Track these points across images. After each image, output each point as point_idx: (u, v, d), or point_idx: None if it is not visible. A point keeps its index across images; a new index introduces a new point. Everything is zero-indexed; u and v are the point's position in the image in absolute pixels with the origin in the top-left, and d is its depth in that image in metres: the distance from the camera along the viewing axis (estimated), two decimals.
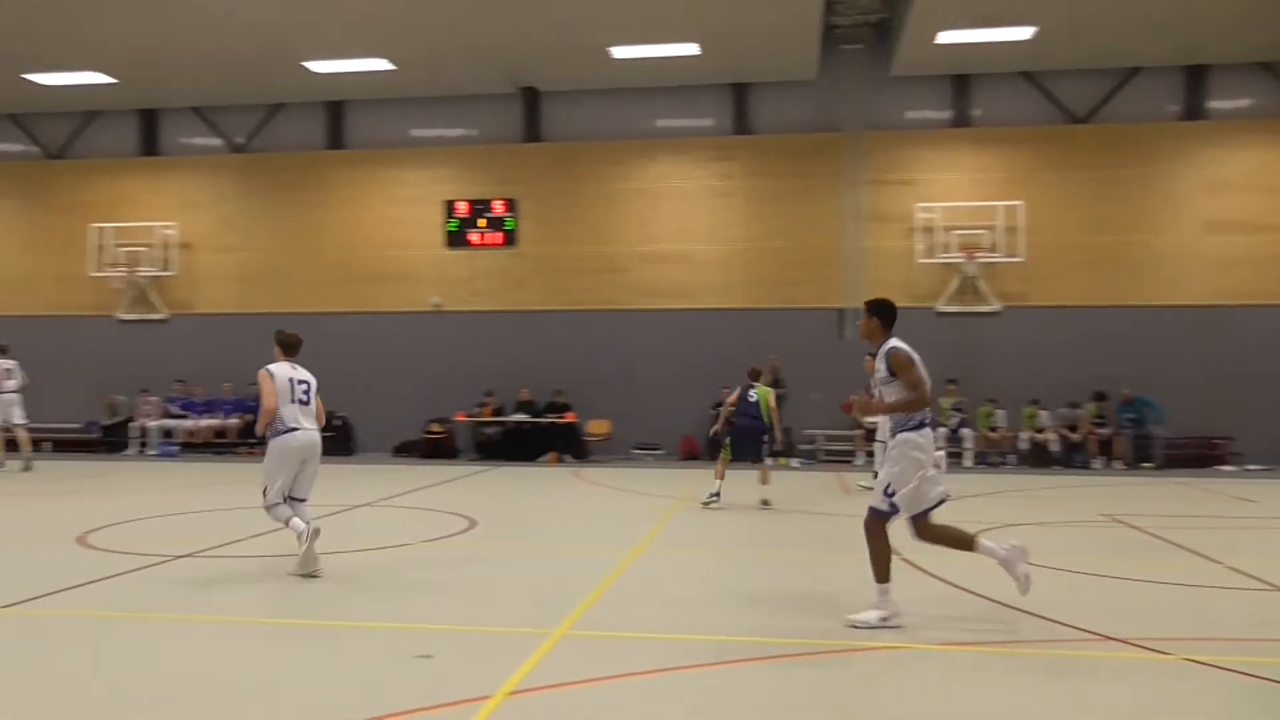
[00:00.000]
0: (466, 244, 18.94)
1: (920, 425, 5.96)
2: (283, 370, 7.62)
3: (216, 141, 20.15)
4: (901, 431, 5.96)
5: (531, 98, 19.06)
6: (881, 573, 5.90)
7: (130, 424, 19.02)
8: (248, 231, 19.69)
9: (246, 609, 6.41)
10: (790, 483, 13.59)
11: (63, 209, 20.13)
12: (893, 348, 6.09)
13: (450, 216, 18.96)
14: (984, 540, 5.97)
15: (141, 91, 19.10)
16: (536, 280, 18.82)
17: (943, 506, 6.01)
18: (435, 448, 18.24)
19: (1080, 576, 7.43)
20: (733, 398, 11.74)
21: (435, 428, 18.42)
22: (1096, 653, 5.42)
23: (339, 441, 18.63)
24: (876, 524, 5.95)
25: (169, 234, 19.60)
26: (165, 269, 19.54)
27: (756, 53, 16.97)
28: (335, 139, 19.68)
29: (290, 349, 7.85)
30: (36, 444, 19.13)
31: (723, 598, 6.76)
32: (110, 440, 19.03)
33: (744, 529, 10.13)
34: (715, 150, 18.64)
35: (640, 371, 18.22)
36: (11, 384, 15.52)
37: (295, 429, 7.45)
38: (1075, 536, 9.76)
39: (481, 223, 18.90)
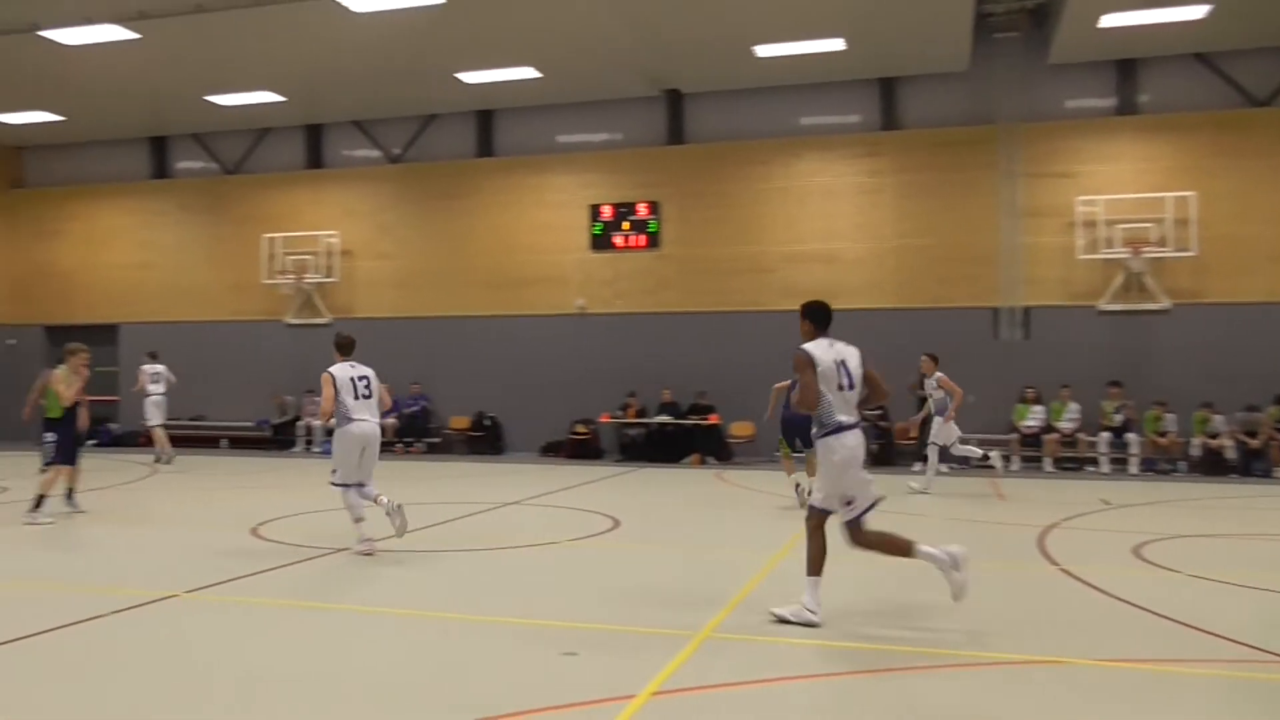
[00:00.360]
0: (611, 247, 19.16)
1: (837, 430, 5.98)
2: (343, 370, 8.50)
3: (375, 153, 21.07)
4: (818, 439, 6.02)
5: (675, 100, 19.13)
6: (813, 567, 6.00)
7: (297, 423, 20.11)
8: (403, 238, 20.51)
9: (398, 600, 6.65)
10: (940, 488, 13.13)
11: (237, 221, 21.47)
12: (798, 348, 6.12)
13: (595, 220, 19.23)
14: (922, 545, 5.90)
15: (308, 108, 20.18)
16: (680, 282, 18.86)
17: (876, 510, 6.03)
18: (580, 448, 18.53)
19: (1267, 594, 6.88)
20: (782, 385, 11.56)
21: (580, 428, 18.71)
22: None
23: (488, 441, 19.22)
24: (815, 520, 6.06)
25: (332, 242, 20.62)
26: (328, 275, 20.56)
27: (905, 45, 16.51)
28: (485, 147, 20.27)
29: (347, 350, 8.74)
30: (215, 441, 20.56)
31: (867, 605, 6.58)
32: (279, 438, 20.17)
33: None
34: (863, 146, 18.24)
35: (786, 373, 17.96)
36: (157, 387, 17.08)
37: (357, 420, 8.36)
38: (1258, 550, 9.06)
39: (625, 225, 19.09)
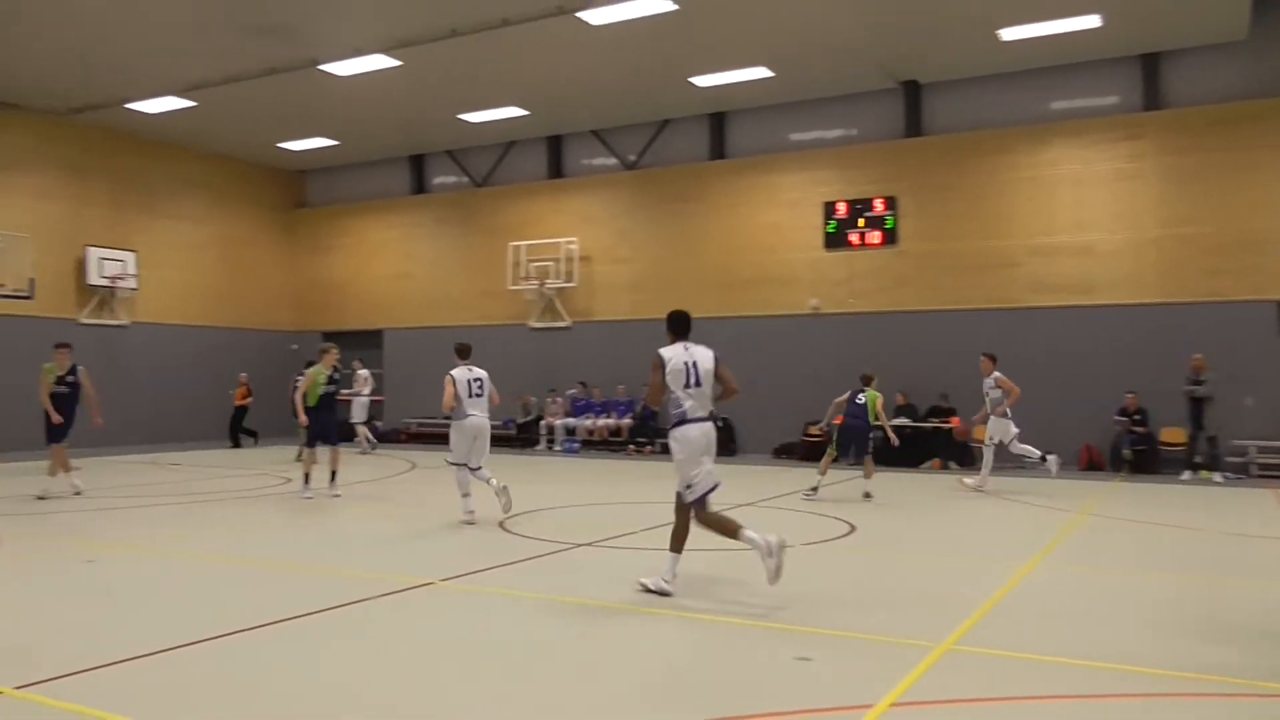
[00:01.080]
0: (845, 245, 18.76)
1: (681, 422, 6.84)
2: (462, 373, 10.16)
3: (612, 161, 21.72)
4: (669, 429, 6.94)
5: (912, 91, 18.47)
6: (675, 544, 6.79)
7: (540, 422, 21.05)
8: (638, 242, 21.01)
9: (633, 596, 6.77)
10: (1215, 500, 11.90)
11: (486, 231, 22.77)
12: (658, 351, 7.02)
13: (829, 218, 18.89)
14: (747, 531, 6.51)
15: (549, 120, 21.10)
16: (918, 279, 18.18)
17: (716, 493, 6.80)
18: (814, 450, 18.23)
19: None
20: (842, 398, 12.87)
21: (814, 430, 18.43)
22: None
23: (720, 443, 19.25)
24: (696, 505, 6.76)
25: (571, 248, 21.43)
26: (568, 280, 21.38)
27: (1172, 16, 15.11)
28: (717, 149, 20.41)
29: (465, 355, 10.43)
30: None
31: (1123, 622, 6.04)
32: (523, 437, 21.19)
33: (1150, 548, 9.03)
34: (1121, 129, 16.86)
35: (1033, 374, 16.86)
36: (367, 390, 19.38)
37: (470, 415, 10.06)
38: None
39: (861, 222, 18.62)
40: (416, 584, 7.11)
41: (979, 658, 5.28)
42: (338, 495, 12.28)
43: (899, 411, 17.64)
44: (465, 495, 10.18)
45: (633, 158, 21.39)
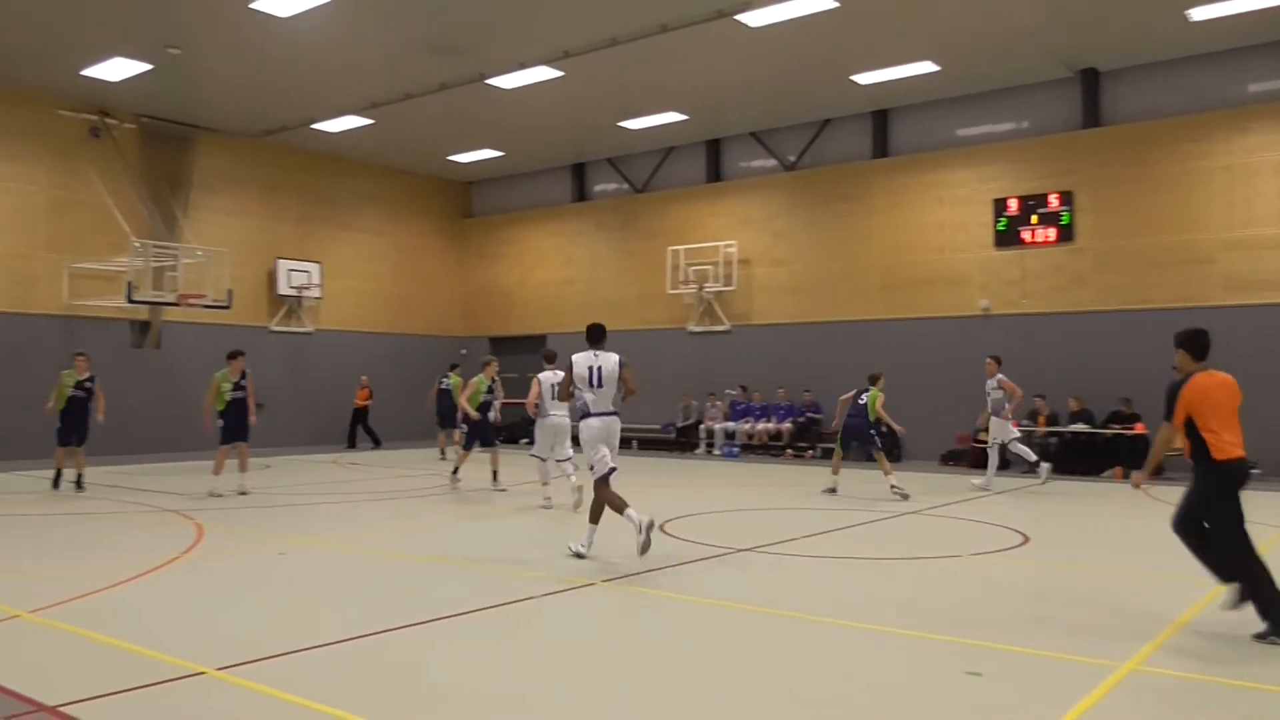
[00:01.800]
0: (1017, 243, 17.95)
1: (585, 415, 8.42)
2: (547, 376, 11.43)
3: (771, 162, 21.55)
4: (577, 420, 8.65)
5: (1090, 79, 17.50)
6: (593, 516, 8.31)
7: (699, 426, 21.10)
8: (798, 244, 20.76)
9: (795, 603, 6.67)
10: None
11: (645, 236, 23.02)
12: (571, 356, 8.55)
13: (999, 215, 18.12)
14: (629, 510, 7.95)
15: (708, 124, 21.15)
16: (1097, 277, 17.21)
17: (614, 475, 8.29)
18: (984, 457, 17.51)
19: None
20: (848, 397, 13.72)
21: (984, 436, 17.69)
22: None
23: (885, 448, 18.76)
24: (599, 483, 8.26)
25: (730, 251, 21.39)
26: (727, 284, 21.35)
27: None
28: (880, 147, 19.93)
29: (552, 360, 11.87)
30: (626, 443, 22.13)
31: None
32: (682, 440, 21.29)
33: None
34: None
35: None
36: (564, 406, 18.93)
37: (551, 415, 11.48)
38: None
39: (1034, 219, 17.79)
40: (580, 584, 7.25)
41: (1167, 680, 4.95)
42: (503, 490, 13.07)
43: (1074, 417, 16.73)
44: (544, 484, 11.83)
45: (792, 159, 21.16)
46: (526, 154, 23.73)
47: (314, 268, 22.66)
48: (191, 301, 19.07)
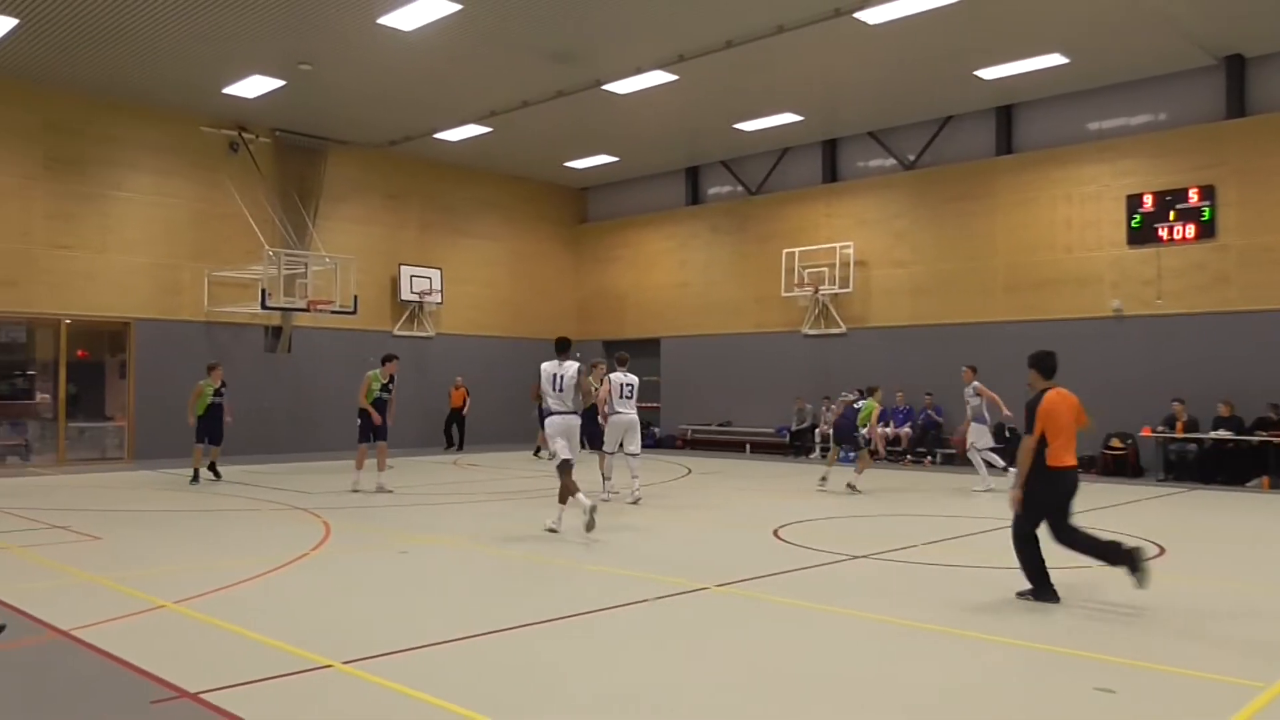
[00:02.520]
0: (1154, 240, 17.09)
1: (549, 415, 9.90)
2: (618, 377, 12.61)
3: (889, 161, 21.11)
4: (544, 419, 10.08)
5: (1235, 66, 16.52)
6: (561, 498, 9.64)
7: (814, 430, 20.81)
8: (917, 245, 20.26)
9: (912, 613, 6.50)
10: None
11: (760, 238, 22.86)
12: (541, 364, 10.15)
13: (1134, 211, 17.29)
14: (581, 496, 9.38)
15: (824, 124, 20.85)
16: (1241, 276, 16.24)
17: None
18: (1116, 465, 16.78)
19: None
20: (848, 399, 15.40)
21: (1116, 443, 16.95)
22: None
23: (1008, 454, 18.15)
24: (562, 468, 9.67)
25: (846, 253, 21.04)
26: (843, 286, 21.00)
27: None
28: (1004, 144, 19.28)
29: (624, 364, 12.96)
30: (740, 446, 22.03)
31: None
32: (796, 445, 21.03)
33: None
34: None
35: None
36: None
37: (620, 412, 12.43)
38: None
39: (1171, 215, 16.90)
40: (693, 588, 7.23)
41: None
42: (613, 495, 12.95)
43: (1220, 423, 15.82)
44: (607, 479, 12.73)
45: (912, 157, 20.68)
46: (641, 158, 23.87)
47: (434, 273, 23.30)
48: (320, 307, 19.85)
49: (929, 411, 19.17)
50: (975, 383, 14.63)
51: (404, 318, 22.95)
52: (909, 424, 19.49)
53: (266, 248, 19.77)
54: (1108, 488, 14.82)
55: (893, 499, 13.47)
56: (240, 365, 19.50)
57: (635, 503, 12.32)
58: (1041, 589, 6.84)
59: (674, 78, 17.20)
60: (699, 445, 22.85)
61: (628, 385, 12.57)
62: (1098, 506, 12.28)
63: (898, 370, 19.95)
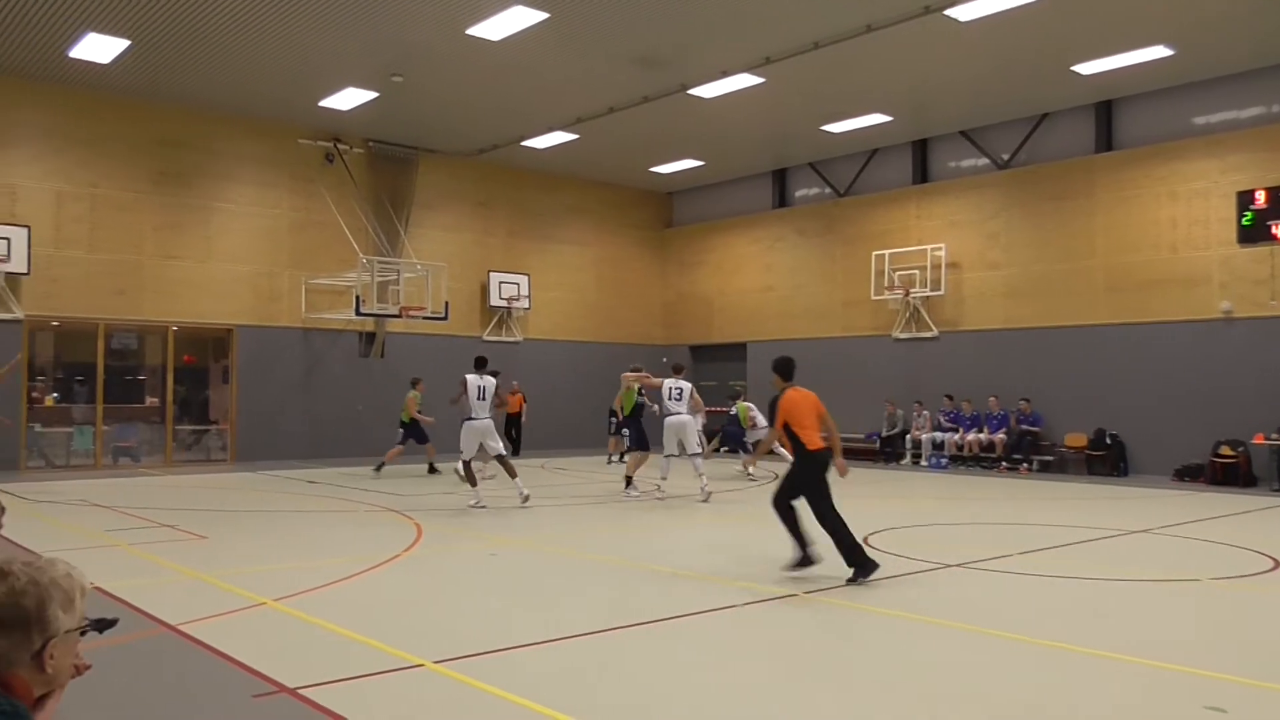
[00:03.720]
0: (1267, 238, 16.25)
1: (470, 419, 12.41)
2: (670, 382, 13.64)
3: (982, 161, 20.61)
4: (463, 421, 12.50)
5: None
6: (472, 481, 12.40)
7: (905, 436, 20.43)
8: (1012, 246, 19.73)
9: (1010, 623, 6.30)
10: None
11: (848, 241, 22.55)
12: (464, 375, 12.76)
13: (1245, 209, 16.50)
14: (478, 489, 12.22)
15: (915, 124, 20.47)
16: None
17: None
18: (1227, 473, 16.05)
19: None
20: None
21: (1226, 451, 16.21)
22: None
23: (1109, 461, 17.56)
24: (465, 463, 12.48)
25: (938, 255, 20.61)
26: (935, 289, 20.57)
27: None
28: (1104, 141, 18.64)
29: (679, 371, 14.15)
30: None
31: None
32: (887, 450, 20.66)
33: None
34: None
35: None
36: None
37: (674, 413, 13.51)
38: None
39: None
40: (781, 594, 7.16)
41: None
42: (708, 496, 13.14)
43: None
44: (663, 479, 13.43)
45: (1006, 156, 20.15)
46: (727, 162, 23.79)
47: (522, 279, 23.59)
48: (412, 313, 20.28)
49: (1024, 417, 18.63)
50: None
51: (493, 323, 23.30)
52: (1003, 430, 18.98)
53: (361, 255, 20.28)
54: (1217, 497, 14.19)
55: (989, 506, 13.12)
56: (335, 370, 20.05)
57: (705, 500, 12.95)
58: (802, 552, 7.87)
59: (761, 80, 17.10)
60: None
61: (676, 389, 13.59)
62: (1205, 517, 11.78)
63: (992, 375, 19.46)
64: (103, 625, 2.27)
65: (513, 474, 12.47)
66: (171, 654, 5.58)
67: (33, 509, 12.04)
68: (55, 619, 1.91)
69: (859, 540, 7.73)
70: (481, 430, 12.47)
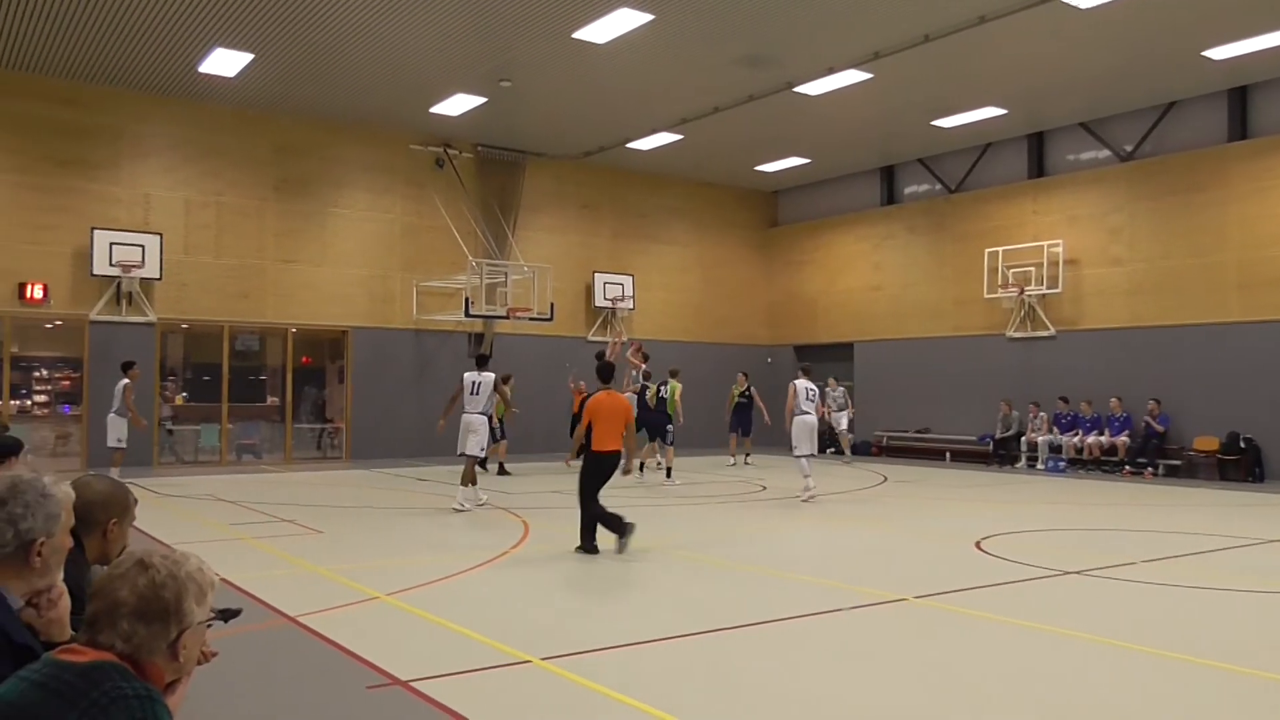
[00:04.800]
0: None
1: (467, 413, 12.22)
2: (803, 383, 13.42)
3: (1103, 153, 19.78)
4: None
5: None
6: (465, 480, 12.03)
7: (1020, 438, 19.75)
8: (1136, 241, 18.88)
9: (1124, 631, 6.01)
10: None
11: (960, 238, 21.94)
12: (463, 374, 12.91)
13: None
14: (477, 489, 12.23)
15: (1030, 117, 19.77)
16: None
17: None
18: None
19: None
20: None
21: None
22: None
23: (1243, 466, 16.62)
24: (469, 459, 12.17)
25: (1055, 251, 19.87)
26: (1051, 286, 19.83)
27: None
28: (1237, 129, 17.66)
29: (807, 372, 13.92)
30: (940, 454, 21.21)
31: None
32: (1001, 453, 20.00)
33: None
34: None
35: None
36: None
37: (804, 414, 13.24)
38: None
39: None
40: (890, 599, 7.00)
41: None
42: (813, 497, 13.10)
43: None
44: (806, 476, 13.01)
45: (1129, 148, 19.29)
46: (834, 160, 23.43)
47: (627, 280, 23.71)
48: (519, 314, 20.59)
49: (1149, 420, 17.79)
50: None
51: (597, 323, 23.48)
52: (1125, 432, 18.18)
53: (470, 258, 20.70)
54: None
55: (1111, 512, 12.57)
56: (445, 371, 20.49)
57: (808, 500, 12.97)
58: (588, 539, 8.97)
59: (868, 76, 16.78)
60: (895, 453, 22.16)
61: (810, 390, 13.54)
62: None
63: (1112, 375, 18.67)
64: (228, 615, 2.36)
65: (468, 480, 12.04)
66: (290, 644, 5.78)
67: (165, 503, 12.67)
68: (190, 611, 1.99)
69: (594, 526, 8.99)
70: (463, 424, 12.21)
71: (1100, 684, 5.09)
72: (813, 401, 13.49)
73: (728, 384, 21.02)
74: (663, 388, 16.71)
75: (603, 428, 9.13)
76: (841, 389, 20.80)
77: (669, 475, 16.11)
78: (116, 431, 14.56)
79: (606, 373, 9.78)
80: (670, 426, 16.57)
